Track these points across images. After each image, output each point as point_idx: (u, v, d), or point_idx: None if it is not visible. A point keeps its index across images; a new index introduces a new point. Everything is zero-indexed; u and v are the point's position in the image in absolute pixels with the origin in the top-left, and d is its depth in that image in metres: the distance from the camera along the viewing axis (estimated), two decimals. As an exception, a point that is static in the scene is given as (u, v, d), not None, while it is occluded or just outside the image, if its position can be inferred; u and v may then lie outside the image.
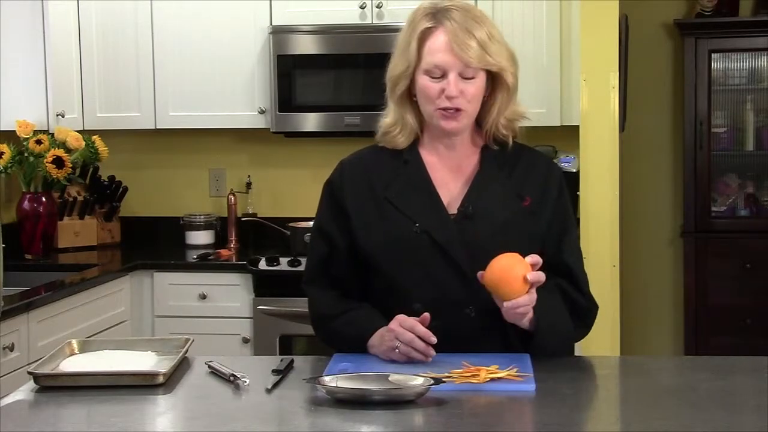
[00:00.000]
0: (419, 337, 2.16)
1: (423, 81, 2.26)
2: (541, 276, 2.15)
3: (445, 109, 2.25)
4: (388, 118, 2.36)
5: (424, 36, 2.26)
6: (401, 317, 2.20)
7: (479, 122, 2.34)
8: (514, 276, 2.12)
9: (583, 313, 2.34)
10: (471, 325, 2.24)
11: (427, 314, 2.18)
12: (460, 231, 2.26)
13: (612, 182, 3.80)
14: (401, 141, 2.34)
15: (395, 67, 2.31)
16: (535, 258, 2.16)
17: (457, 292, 2.23)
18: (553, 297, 2.26)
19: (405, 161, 2.34)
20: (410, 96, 2.32)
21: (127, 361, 2.20)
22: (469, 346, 2.21)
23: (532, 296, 2.15)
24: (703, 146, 5.05)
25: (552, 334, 2.24)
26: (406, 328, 2.17)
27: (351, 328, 2.30)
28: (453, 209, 2.30)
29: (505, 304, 2.13)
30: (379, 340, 2.24)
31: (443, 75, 2.24)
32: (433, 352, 2.17)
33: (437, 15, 2.26)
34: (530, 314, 2.19)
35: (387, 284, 2.30)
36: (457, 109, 2.25)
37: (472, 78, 2.25)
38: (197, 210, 4.80)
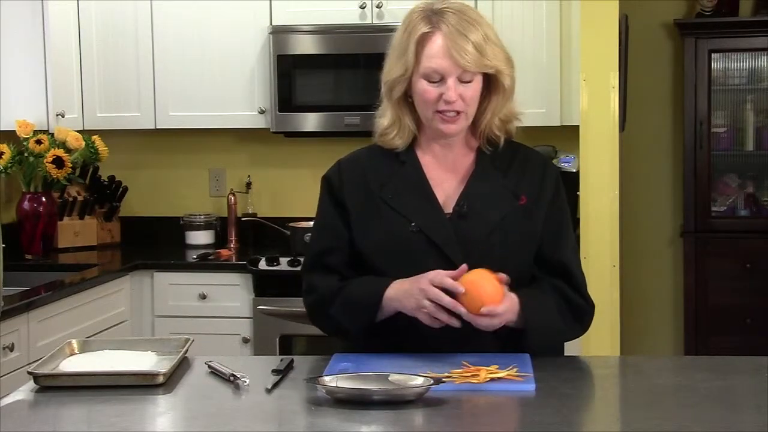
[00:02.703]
0: (445, 291, 2.14)
1: (421, 85, 2.26)
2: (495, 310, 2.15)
3: (443, 112, 2.26)
4: (384, 119, 2.36)
5: (421, 40, 2.26)
6: (432, 274, 2.17)
7: (474, 122, 2.34)
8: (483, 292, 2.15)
9: (579, 313, 2.33)
10: (468, 324, 2.23)
11: (464, 265, 2.17)
12: (456, 230, 2.27)
13: (612, 182, 3.80)
14: (398, 142, 2.35)
15: (392, 71, 2.30)
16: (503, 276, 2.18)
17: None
18: (543, 296, 2.27)
19: (402, 162, 2.34)
20: (407, 98, 2.32)
21: (127, 361, 2.20)
22: (466, 345, 2.21)
23: (507, 304, 2.16)
24: (703, 146, 5.05)
25: (539, 333, 2.24)
26: (437, 285, 2.16)
27: (363, 288, 2.27)
28: (448, 208, 2.30)
29: (483, 309, 2.13)
30: (404, 293, 2.21)
31: (441, 79, 2.25)
32: (456, 322, 2.15)
33: (433, 18, 2.25)
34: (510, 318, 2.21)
35: (384, 283, 2.30)
36: (457, 112, 2.26)
37: (470, 81, 2.26)
38: (197, 210, 4.80)
